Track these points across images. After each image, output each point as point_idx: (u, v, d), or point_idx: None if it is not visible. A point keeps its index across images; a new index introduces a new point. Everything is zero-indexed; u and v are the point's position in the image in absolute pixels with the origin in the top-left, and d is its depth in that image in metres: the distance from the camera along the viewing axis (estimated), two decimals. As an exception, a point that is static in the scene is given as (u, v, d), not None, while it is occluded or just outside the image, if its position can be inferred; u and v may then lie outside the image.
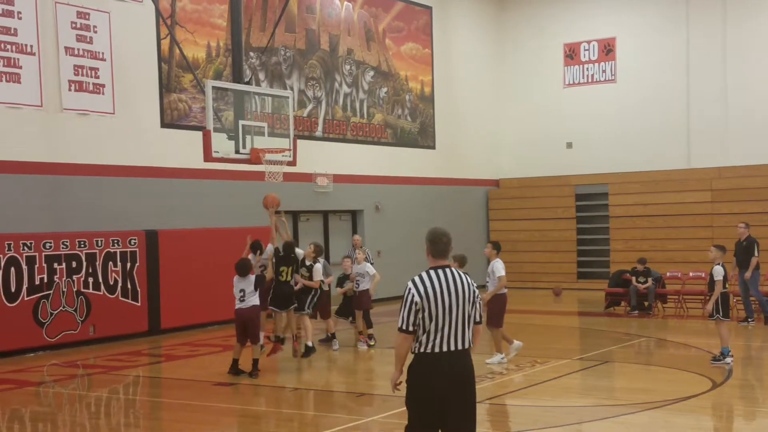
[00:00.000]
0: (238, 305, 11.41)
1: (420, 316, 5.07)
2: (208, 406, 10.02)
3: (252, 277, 11.45)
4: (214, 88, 14.21)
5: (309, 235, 20.32)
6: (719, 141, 21.91)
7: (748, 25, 21.71)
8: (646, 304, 18.54)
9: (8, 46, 14.16)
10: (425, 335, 5.08)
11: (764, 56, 21.47)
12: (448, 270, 5.23)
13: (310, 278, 12.93)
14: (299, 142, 17.23)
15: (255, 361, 11.51)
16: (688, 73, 22.48)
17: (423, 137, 23.32)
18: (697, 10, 22.37)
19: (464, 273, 5.28)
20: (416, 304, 5.07)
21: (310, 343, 12.68)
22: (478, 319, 5.32)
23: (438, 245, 5.28)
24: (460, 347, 5.13)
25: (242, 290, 11.37)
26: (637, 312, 18.15)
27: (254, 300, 11.42)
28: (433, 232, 5.34)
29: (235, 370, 11.52)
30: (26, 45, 14.41)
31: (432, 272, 5.20)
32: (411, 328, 5.09)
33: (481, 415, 9.28)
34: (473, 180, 24.81)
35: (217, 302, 16.86)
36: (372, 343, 14.02)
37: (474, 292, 5.25)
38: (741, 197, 21.14)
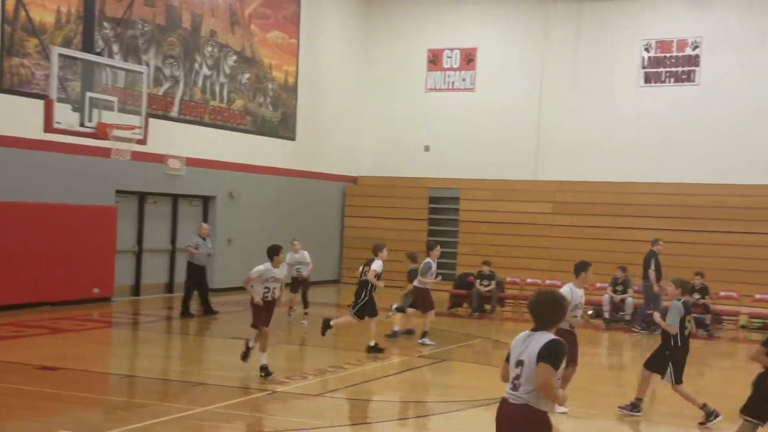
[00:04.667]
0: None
1: None
2: (30, 390, 9.50)
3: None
4: (60, 55, 13.52)
5: (156, 219, 19.71)
6: (564, 156, 23.02)
7: (599, 47, 22.94)
8: (487, 307, 19.22)
9: None
10: None
11: (613, 80, 22.72)
12: None
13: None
14: (153, 121, 16.69)
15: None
16: (542, 88, 23.49)
17: (283, 127, 23.14)
18: (554, 28, 23.42)
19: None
20: None
21: (372, 343, 12.65)
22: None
23: None
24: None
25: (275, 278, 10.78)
26: (478, 314, 18.77)
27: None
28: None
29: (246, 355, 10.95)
30: None
31: None
32: None
33: (318, 408, 9.34)
34: (331, 175, 24.87)
35: (51, 281, 16.05)
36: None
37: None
38: (579, 211, 22.29)
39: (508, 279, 20.19)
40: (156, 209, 19.70)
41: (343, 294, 22.20)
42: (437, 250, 14.80)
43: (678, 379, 9.04)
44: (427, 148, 24.82)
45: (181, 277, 20.34)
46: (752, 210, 20.37)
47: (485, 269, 19.26)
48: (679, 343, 9.00)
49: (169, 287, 19.96)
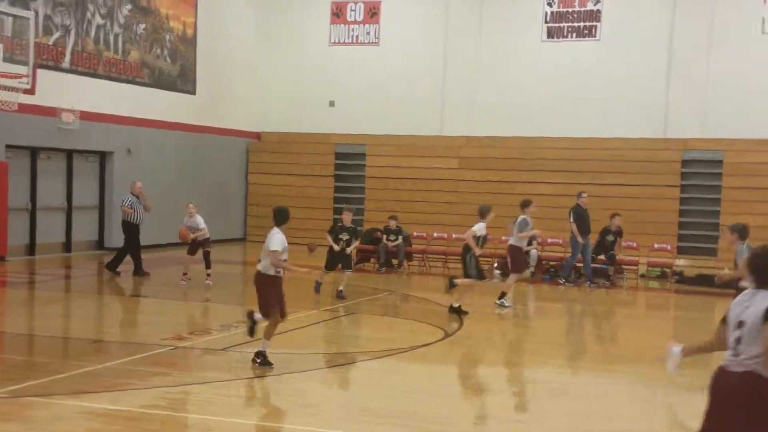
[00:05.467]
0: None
1: None
2: None
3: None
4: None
5: (50, 175, 18.77)
6: (469, 111, 23.09)
7: (503, 2, 22.96)
8: (394, 262, 19.23)
9: None
10: None
11: (516, 36, 22.83)
12: None
13: (349, 242, 14.12)
14: (43, 72, 15.82)
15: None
16: (446, 43, 23.41)
17: (183, 81, 22.33)
18: (459, -17, 23.30)
19: None
20: None
21: (457, 305, 12.46)
22: None
23: None
24: None
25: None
26: (385, 269, 18.75)
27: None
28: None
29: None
30: None
31: None
32: None
33: (223, 362, 9.09)
34: (234, 131, 24.24)
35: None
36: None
37: None
38: (484, 166, 22.49)
39: (414, 234, 20.22)
40: (50, 165, 18.75)
41: (249, 252, 21.83)
42: (534, 207, 14.29)
43: None
44: (332, 104, 24.47)
45: (79, 236, 19.57)
46: (650, 163, 20.95)
47: (392, 224, 19.22)
48: None
49: (67, 246, 19.14)
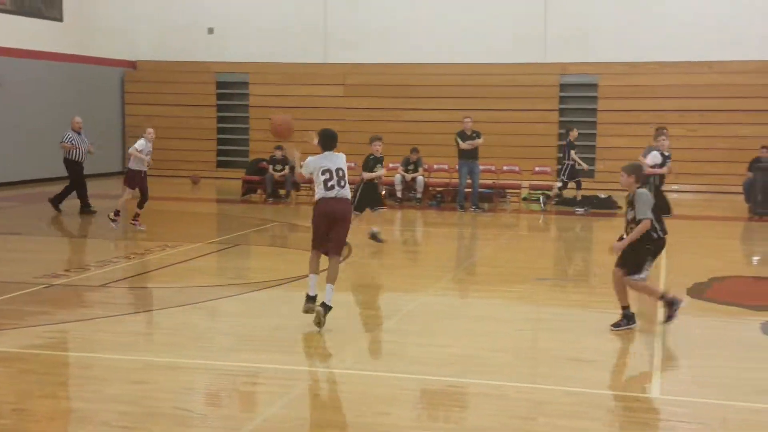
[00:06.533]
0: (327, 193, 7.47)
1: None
2: None
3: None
4: None
5: None
6: (353, 38, 22.73)
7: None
8: (282, 192, 18.97)
9: None
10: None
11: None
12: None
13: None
14: None
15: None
16: (328, -32, 22.86)
17: (47, 7, 20.95)
18: None
19: None
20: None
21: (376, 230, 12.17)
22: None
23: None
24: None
25: (337, 170, 7.52)
26: (272, 199, 18.50)
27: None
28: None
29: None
30: None
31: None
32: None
33: (100, 299, 8.76)
34: (107, 60, 23.06)
35: None
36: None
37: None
38: (370, 93, 22.32)
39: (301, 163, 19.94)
40: None
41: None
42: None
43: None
44: (211, 31, 23.57)
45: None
46: (530, 88, 21.30)
47: (278, 154, 18.88)
48: (660, 234, 7.51)
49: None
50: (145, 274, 10.19)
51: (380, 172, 12.66)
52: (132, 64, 24.02)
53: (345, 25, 22.75)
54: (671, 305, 7.47)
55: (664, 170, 11.61)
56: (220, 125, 23.50)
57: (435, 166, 19.43)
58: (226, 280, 10.02)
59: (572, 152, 17.36)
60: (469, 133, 17.23)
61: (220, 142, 23.70)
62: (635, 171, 7.47)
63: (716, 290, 9.39)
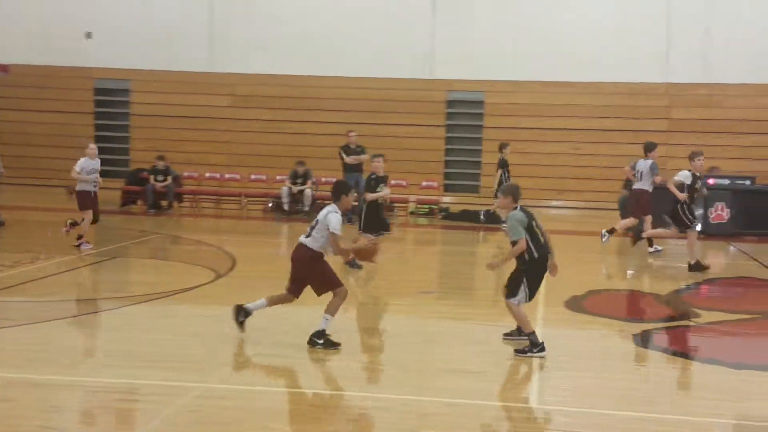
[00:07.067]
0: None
1: None
2: None
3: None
4: None
5: None
6: (241, 48, 22.36)
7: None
8: (164, 203, 18.46)
9: None
10: None
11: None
12: None
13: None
14: None
15: None
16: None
17: None
18: None
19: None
20: None
21: (693, 261, 11.86)
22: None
23: None
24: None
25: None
26: (154, 210, 17.94)
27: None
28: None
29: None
30: None
31: None
32: None
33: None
34: (-23, 62, 21.83)
35: None
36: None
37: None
38: (258, 104, 21.99)
39: (185, 174, 19.50)
40: None
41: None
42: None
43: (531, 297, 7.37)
44: (89, 35, 22.64)
45: None
46: (417, 103, 21.52)
47: (160, 164, 18.39)
48: (535, 255, 7.23)
49: None
50: (15, 287, 9.60)
51: (384, 192, 11.80)
52: (3, 68, 22.80)
53: (232, 33, 22.37)
54: (533, 346, 7.14)
55: (682, 195, 11.79)
56: (99, 133, 22.57)
57: (323, 179, 19.34)
58: (102, 294, 9.58)
59: (500, 170, 16.98)
60: (353, 147, 17.24)
61: (102, 150, 22.73)
62: (511, 192, 7.38)
63: (592, 303, 9.66)
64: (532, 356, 7.08)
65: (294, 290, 7.39)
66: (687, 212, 11.90)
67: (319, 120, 21.48)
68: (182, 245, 14.16)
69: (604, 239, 13.70)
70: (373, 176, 11.80)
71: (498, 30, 21.32)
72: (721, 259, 13.94)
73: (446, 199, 20.47)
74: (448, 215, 18.79)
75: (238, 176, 19.91)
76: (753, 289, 11.35)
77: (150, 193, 18.03)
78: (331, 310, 7.21)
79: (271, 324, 7.83)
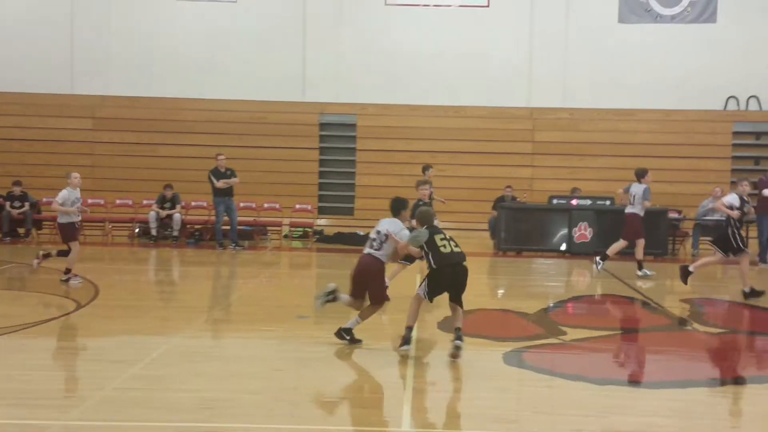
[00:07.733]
0: None
1: None
2: None
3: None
4: None
5: None
6: (104, 69, 21.59)
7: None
8: (21, 231, 17.53)
9: None
10: None
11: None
12: None
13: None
14: None
15: None
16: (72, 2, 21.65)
17: None
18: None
19: None
20: None
21: (748, 289, 11.73)
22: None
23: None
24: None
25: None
26: (10, 238, 16.99)
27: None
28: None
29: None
30: None
31: None
32: None
33: None
34: None
35: None
36: None
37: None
38: (122, 127, 21.27)
39: (44, 200, 18.53)
40: None
41: None
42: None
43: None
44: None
45: None
46: (291, 126, 21.37)
47: (16, 190, 17.48)
48: (434, 266, 7.88)
49: None
50: None
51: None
52: None
53: (92, 55, 21.58)
54: (405, 341, 7.84)
55: (735, 213, 11.82)
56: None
57: (193, 203, 18.86)
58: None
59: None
60: (223, 170, 16.93)
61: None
62: (420, 217, 8.11)
63: (465, 323, 9.76)
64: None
65: (359, 294, 8.32)
66: (738, 236, 11.88)
67: (188, 143, 21.01)
68: (41, 275, 13.37)
69: (598, 267, 13.65)
70: (420, 202, 11.38)
71: (366, 54, 21.59)
72: (585, 277, 14.46)
73: (320, 221, 20.39)
74: (322, 238, 18.70)
75: (102, 201, 19.12)
76: (615, 306, 11.82)
77: (6, 220, 17.05)
78: (365, 315, 8.27)
79: (128, 356, 7.46)
